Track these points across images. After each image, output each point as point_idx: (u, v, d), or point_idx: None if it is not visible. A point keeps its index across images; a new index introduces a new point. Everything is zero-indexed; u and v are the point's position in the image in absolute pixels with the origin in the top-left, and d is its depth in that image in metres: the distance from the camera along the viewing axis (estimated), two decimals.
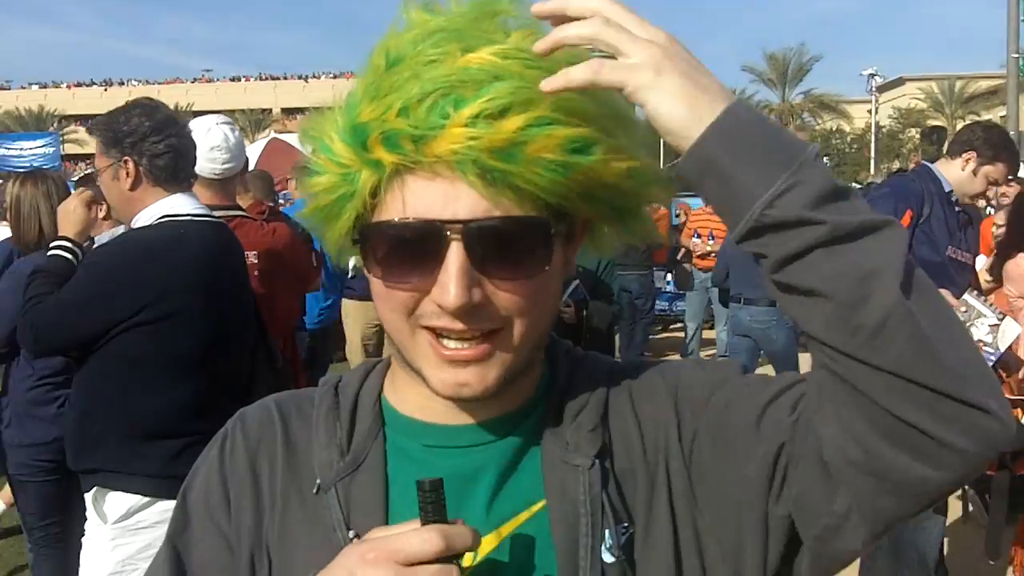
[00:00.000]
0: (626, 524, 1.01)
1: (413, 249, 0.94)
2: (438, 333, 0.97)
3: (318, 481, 1.05)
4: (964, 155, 4.50)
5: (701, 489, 1.03)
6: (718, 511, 1.02)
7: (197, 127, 3.84)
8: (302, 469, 1.08)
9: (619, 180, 0.97)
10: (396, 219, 0.94)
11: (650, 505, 1.02)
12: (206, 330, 3.03)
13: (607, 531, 0.99)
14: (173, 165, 3.07)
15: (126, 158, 3.05)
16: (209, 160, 3.73)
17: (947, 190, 4.51)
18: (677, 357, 13.13)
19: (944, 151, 4.65)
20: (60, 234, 3.38)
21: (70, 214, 3.37)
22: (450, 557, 0.89)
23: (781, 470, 0.97)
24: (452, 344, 0.96)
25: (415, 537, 0.89)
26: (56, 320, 2.98)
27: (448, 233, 0.92)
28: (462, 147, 0.89)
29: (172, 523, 1.13)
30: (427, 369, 0.99)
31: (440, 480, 0.92)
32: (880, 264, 0.83)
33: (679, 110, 0.87)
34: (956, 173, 4.52)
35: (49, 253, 3.32)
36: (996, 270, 4.71)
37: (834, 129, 68.17)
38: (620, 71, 0.88)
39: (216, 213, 3.45)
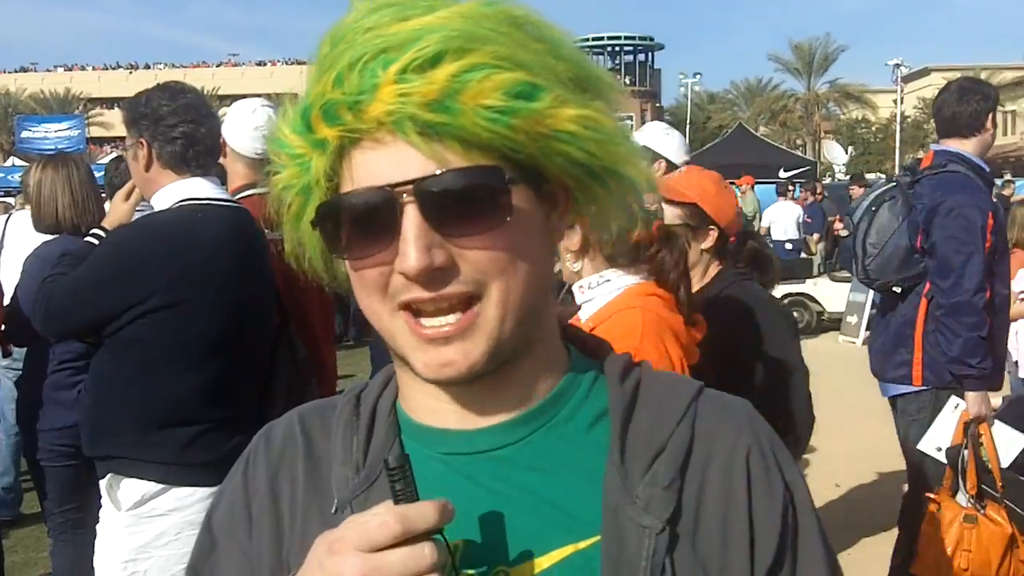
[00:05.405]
0: None
1: (369, 221, 0.89)
2: (414, 311, 0.91)
3: (336, 499, 1.00)
4: (987, 121, 4.30)
5: None
6: None
7: (241, 108, 3.90)
8: (324, 486, 1.02)
9: (577, 130, 0.90)
10: (344, 192, 0.91)
11: None
12: (220, 316, 2.99)
13: None
14: (182, 152, 3.04)
15: (141, 139, 3.06)
16: (252, 140, 3.78)
17: (987, 170, 4.35)
18: None
19: (960, 134, 4.33)
20: (101, 223, 3.40)
21: (114, 207, 3.37)
22: (427, 534, 0.83)
23: None
24: (430, 322, 0.91)
25: (374, 522, 0.83)
26: (69, 297, 2.96)
27: (401, 197, 0.87)
28: (395, 105, 0.85)
29: (196, 549, 1.08)
30: (409, 353, 0.93)
31: (406, 455, 0.86)
32: None
33: None
34: (986, 141, 4.33)
35: (85, 239, 3.34)
36: None
37: (859, 119, 67.69)
38: None
39: (259, 190, 3.49)
